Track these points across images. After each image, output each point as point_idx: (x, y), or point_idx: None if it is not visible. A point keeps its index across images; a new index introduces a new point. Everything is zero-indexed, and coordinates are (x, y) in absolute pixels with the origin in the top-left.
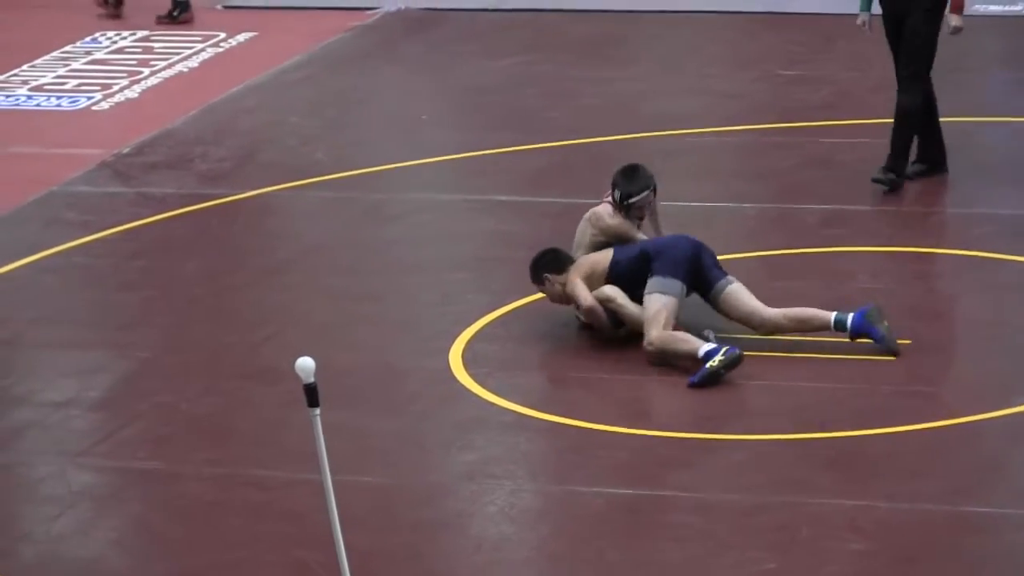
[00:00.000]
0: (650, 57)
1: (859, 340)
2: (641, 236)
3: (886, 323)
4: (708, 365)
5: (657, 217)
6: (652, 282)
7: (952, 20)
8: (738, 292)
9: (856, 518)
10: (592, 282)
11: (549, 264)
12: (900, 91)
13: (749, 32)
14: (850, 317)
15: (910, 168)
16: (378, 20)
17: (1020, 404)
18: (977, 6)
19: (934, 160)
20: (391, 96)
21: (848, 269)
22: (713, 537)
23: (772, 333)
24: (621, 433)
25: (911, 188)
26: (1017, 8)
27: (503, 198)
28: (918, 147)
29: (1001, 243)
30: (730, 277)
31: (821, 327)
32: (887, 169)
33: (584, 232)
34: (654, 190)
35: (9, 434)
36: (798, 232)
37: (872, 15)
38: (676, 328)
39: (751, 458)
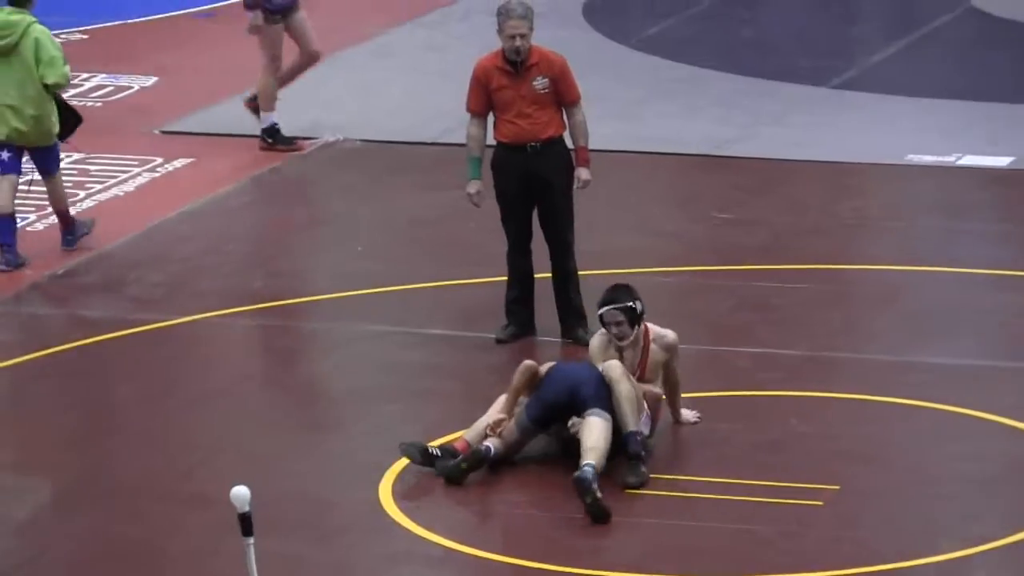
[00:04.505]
0: (590, 194)
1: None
2: (609, 363)
3: (589, 498)
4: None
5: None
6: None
7: (582, 174)
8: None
9: None
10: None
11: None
12: (565, 258)
13: (688, 174)
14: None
15: (503, 332)
16: (316, 150)
17: (947, 551)
18: (911, 156)
19: (527, 323)
20: (328, 226)
21: (780, 414)
22: None
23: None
24: (551, 570)
25: (845, 335)
26: (950, 159)
27: (437, 332)
28: (514, 311)
29: (931, 392)
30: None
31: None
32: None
33: None
34: (627, 314)
35: None
36: (732, 375)
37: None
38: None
39: None
